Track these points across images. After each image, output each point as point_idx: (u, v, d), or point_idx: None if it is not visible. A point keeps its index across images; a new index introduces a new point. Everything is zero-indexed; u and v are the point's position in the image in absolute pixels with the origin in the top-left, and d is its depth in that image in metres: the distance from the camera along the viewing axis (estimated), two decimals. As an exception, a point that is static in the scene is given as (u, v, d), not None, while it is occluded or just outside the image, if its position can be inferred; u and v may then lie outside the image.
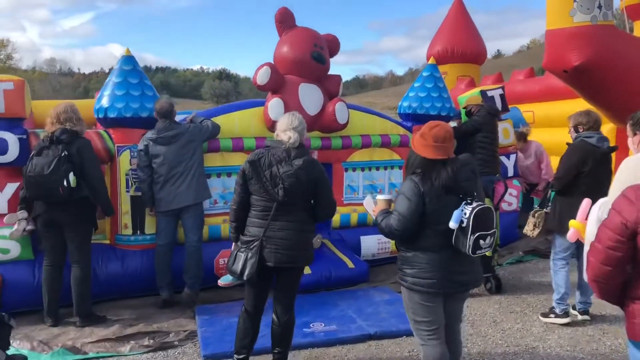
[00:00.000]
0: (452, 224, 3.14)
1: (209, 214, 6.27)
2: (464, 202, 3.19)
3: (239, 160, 6.32)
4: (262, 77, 6.23)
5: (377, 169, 7.11)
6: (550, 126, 10.20)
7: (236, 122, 6.31)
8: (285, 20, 6.56)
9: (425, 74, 7.43)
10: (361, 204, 7.14)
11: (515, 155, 8.07)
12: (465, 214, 3.13)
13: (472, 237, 3.12)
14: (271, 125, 6.21)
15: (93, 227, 5.32)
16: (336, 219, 6.93)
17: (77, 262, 5.21)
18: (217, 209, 6.33)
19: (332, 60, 6.75)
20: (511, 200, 8.11)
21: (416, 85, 7.44)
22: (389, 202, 3.56)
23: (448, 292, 3.36)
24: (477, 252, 3.17)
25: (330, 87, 6.68)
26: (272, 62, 6.40)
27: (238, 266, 3.83)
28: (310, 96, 6.45)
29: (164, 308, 5.71)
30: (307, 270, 6.07)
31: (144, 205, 5.82)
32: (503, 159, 7.80)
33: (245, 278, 3.81)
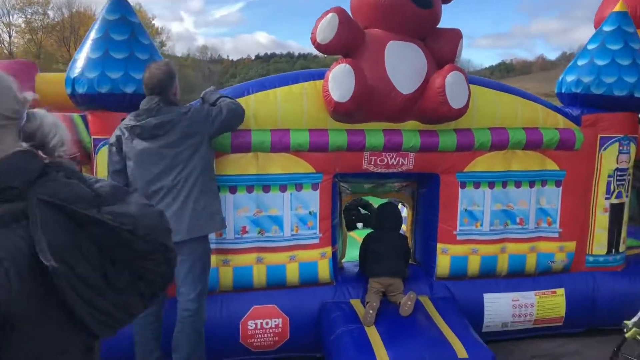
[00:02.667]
0: None
1: (233, 250, 3.98)
2: None
3: (282, 165, 3.95)
4: (325, 31, 3.75)
5: (518, 185, 4.33)
6: None
7: (279, 105, 3.91)
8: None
9: (607, 28, 4.46)
10: (487, 242, 4.46)
11: None
12: None
13: None
14: (335, 109, 3.75)
15: None
16: (444, 264, 4.30)
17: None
18: (247, 242, 4.00)
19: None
20: None
21: (590, 47, 4.50)
22: None
23: None
24: None
25: (442, 49, 4.03)
26: (343, 9, 3.89)
27: None
28: (404, 62, 3.87)
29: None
30: (381, 354, 3.55)
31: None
32: None
33: None
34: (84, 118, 3.90)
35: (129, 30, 3.75)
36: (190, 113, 3.42)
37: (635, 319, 3.28)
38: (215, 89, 3.84)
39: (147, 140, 3.37)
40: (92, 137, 3.84)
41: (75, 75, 3.70)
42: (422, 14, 3.88)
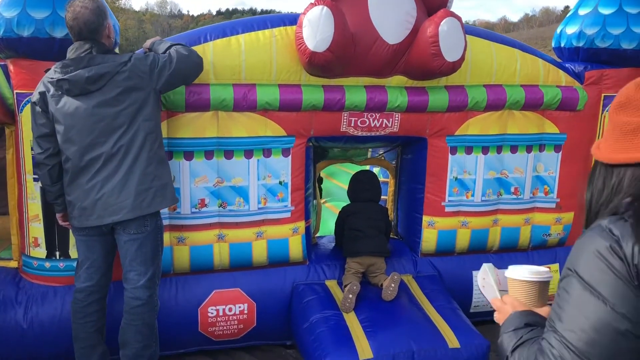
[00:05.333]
0: None
1: (190, 226, 3.41)
2: None
3: (247, 127, 3.37)
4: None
5: (514, 150, 3.85)
6: None
7: (243, 55, 3.29)
8: None
9: (613, -27, 3.95)
10: (478, 214, 4.01)
11: None
12: None
13: None
14: (310, 61, 3.15)
15: None
16: (431, 239, 3.83)
17: None
18: (206, 216, 3.42)
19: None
20: None
21: (593, -5, 4.00)
22: (539, 288, 1.41)
23: None
24: None
25: (432, -8, 3.47)
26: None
27: None
28: (390, 6, 3.29)
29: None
30: (362, 345, 3.08)
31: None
32: None
33: None
34: (4, 68, 3.20)
35: (57, -41, 3.04)
36: (132, 63, 2.78)
37: None
38: (158, 39, 3.18)
39: (78, 97, 2.74)
40: (15, 91, 3.15)
41: (-13, 14, 3.00)
42: (412, -52, 3.28)
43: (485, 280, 1.62)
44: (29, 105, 3.04)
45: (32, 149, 3.08)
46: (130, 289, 2.93)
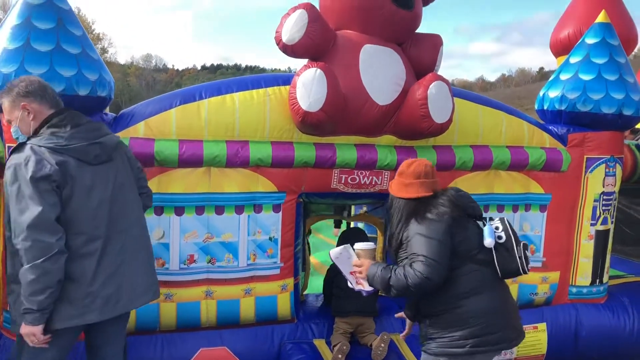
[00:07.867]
0: (489, 240, 2.44)
1: (178, 282, 3.37)
2: (487, 220, 2.57)
3: (239, 183, 3.38)
4: (292, 30, 3.23)
5: (500, 209, 3.92)
6: None
7: (237, 113, 3.35)
8: None
9: (590, 40, 4.13)
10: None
11: None
12: (497, 228, 2.51)
13: (519, 247, 2.47)
14: (303, 120, 3.21)
15: None
16: (418, 296, 3.82)
17: None
18: (194, 272, 3.39)
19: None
20: None
21: (573, 61, 4.16)
22: (373, 253, 2.67)
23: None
24: (528, 267, 2.48)
25: (420, 55, 3.59)
26: (313, 5, 3.37)
27: None
28: (380, 69, 3.40)
29: None
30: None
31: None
32: None
33: None
34: (-2, 122, 3.21)
35: (55, 18, 3.10)
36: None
37: None
38: None
39: (99, 165, 2.51)
40: (7, 145, 3.16)
41: (-15, 69, 3.02)
42: (402, 15, 3.42)
43: (342, 254, 2.62)
44: (20, 159, 3.02)
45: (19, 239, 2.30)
46: None
